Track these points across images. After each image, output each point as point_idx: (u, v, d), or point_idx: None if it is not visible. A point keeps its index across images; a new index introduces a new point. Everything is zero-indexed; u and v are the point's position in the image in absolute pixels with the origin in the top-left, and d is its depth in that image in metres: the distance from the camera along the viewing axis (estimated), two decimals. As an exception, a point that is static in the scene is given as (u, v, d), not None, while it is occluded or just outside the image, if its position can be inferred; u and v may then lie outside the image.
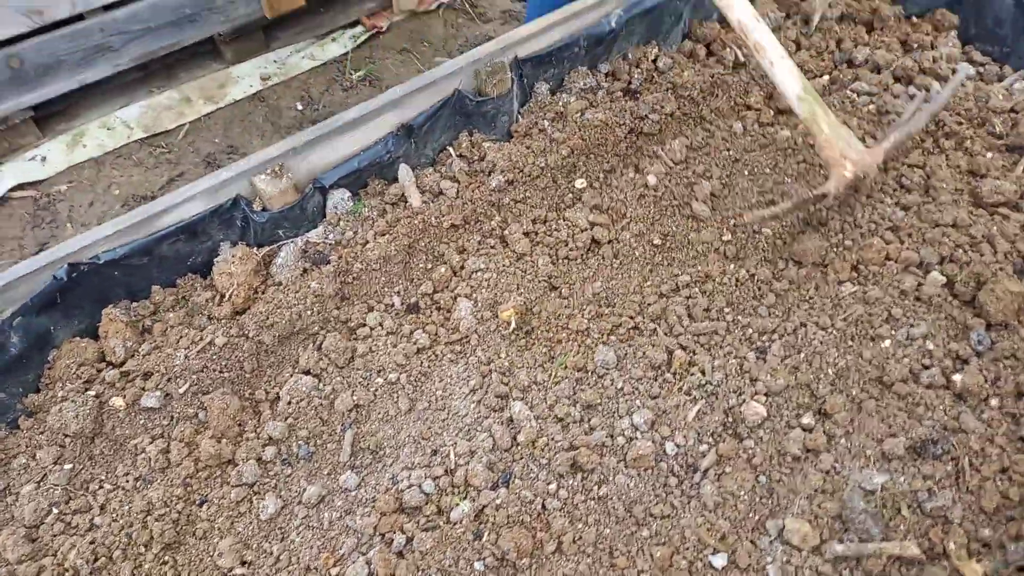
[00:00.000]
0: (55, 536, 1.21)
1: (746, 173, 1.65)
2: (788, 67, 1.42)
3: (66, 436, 1.28)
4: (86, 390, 1.32)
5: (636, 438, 1.27)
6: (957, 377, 1.28)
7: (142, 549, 1.19)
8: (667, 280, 1.51)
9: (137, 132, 3.02)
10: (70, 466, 1.27)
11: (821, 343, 1.36)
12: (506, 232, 1.59)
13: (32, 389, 1.34)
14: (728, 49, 1.88)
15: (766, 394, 1.30)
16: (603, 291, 1.50)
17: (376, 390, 1.38)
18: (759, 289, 1.47)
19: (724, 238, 1.57)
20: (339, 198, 1.58)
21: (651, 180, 1.65)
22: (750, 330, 1.41)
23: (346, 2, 3.36)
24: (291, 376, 1.38)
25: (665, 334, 1.41)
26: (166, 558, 1.19)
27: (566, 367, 1.38)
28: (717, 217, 1.60)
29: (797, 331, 1.39)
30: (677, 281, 1.50)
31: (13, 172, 2.88)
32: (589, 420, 1.31)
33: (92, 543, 1.19)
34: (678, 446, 1.26)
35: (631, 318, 1.44)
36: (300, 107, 3.12)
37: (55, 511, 1.23)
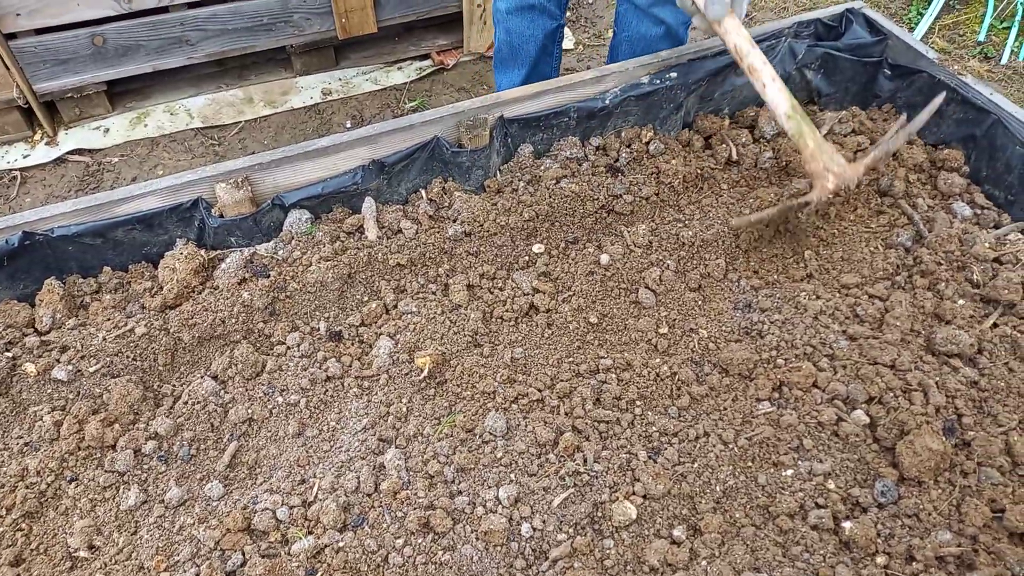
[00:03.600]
0: (-68, 480, 1.27)
1: (700, 271, 1.62)
2: (778, 87, 1.52)
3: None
4: (5, 351, 1.40)
5: (495, 511, 1.23)
6: (848, 524, 1.19)
7: (2, 512, 1.24)
8: (589, 360, 1.48)
9: (196, 121, 3.22)
10: (-32, 418, 1.34)
11: (717, 458, 1.30)
12: (450, 281, 1.60)
13: (-42, 345, 1.43)
14: (725, 145, 1.86)
15: (644, 496, 1.25)
16: (523, 358, 1.48)
17: (273, 408, 1.40)
18: (677, 389, 1.42)
19: (660, 330, 1.53)
20: (297, 218, 1.64)
21: (604, 259, 1.64)
22: (652, 428, 1.36)
23: (420, 36, 3.50)
24: (200, 378, 1.42)
25: (565, 414, 1.38)
26: (23, 525, 1.24)
27: (454, 425, 1.37)
28: (659, 309, 1.56)
29: (699, 439, 1.34)
30: (599, 363, 1.47)
31: (76, 137, 3.11)
32: (458, 483, 1.29)
33: (-42, 494, 1.25)
34: (535, 529, 1.22)
35: (539, 391, 1.42)
36: (348, 125, 3.26)
37: (-59, 456, 1.30)
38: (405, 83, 3.44)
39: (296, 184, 1.65)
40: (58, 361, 1.40)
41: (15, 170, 3.01)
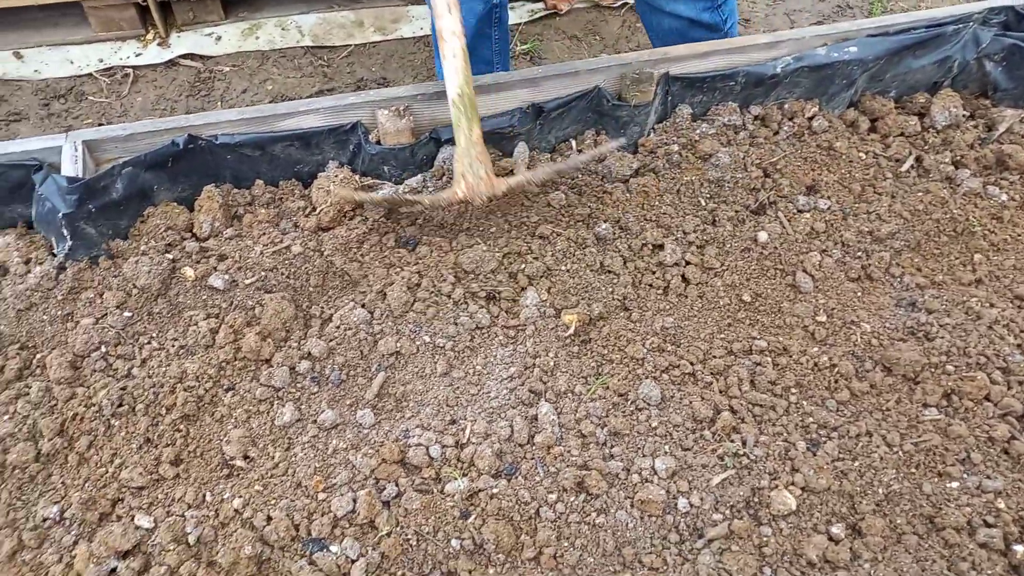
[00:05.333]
0: (94, 372, 1.29)
1: (861, 261, 1.55)
2: (456, 67, 1.37)
3: (134, 287, 1.36)
4: (165, 252, 1.40)
5: (651, 481, 1.21)
6: (1020, 548, 1.15)
7: (163, 411, 1.25)
8: (742, 339, 1.43)
9: (306, 39, 3.16)
10: (129, 315, 1.35)
11: (881, 459, 1.26)
12: (604, 238, 1.55)
13: (121, 235, 1.42)
14: (892, 136, 1.76)
15: (803, 488, 1.22)
16: (673, 328, 1.44)
17: (421, 345, 1.39)
18: (836, 382, 1.37)
19: (818, 318, 1.47)
20: (449, 154, 1.59)
21: (762, 237, 1.57)
22: (810, 419, 1.31)
23: (536, -23, 3.36)
24: (349, 304, 1.41)
25: (720, 392, 1.34)
26: (181, 427, 1.25)
27: (607, 387, 1.34)
28: (817, 296, 1.50)
29: (860, 437, 1.29)
30: (752, 344, 1.42)
31: (189, 42, 3.08)
32: (611, 447, 1.26)
33: (123, 389, 1.26)
34: (691, 505, 1.19)
35: (691, 364, 1.38)
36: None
37: (102, 349, 1.31)
38: (516, 24, 3.33)
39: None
40: (215, 269, 1.40)
41: (127, 67, 3.00)
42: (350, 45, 3.20)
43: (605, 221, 1.58)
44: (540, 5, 3.39)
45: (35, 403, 1.24)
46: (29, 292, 1.34)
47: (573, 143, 1.70)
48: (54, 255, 1.39)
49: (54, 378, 1.26)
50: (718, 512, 1.19)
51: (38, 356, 1.30)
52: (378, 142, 1.54)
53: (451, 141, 1.59)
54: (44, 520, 1.14)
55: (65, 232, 1.34)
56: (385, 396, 1.33)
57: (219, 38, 3.10)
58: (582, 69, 1.61)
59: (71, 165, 1.36)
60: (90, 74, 2.91)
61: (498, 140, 1.63)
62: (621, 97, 1.65)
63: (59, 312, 1.34)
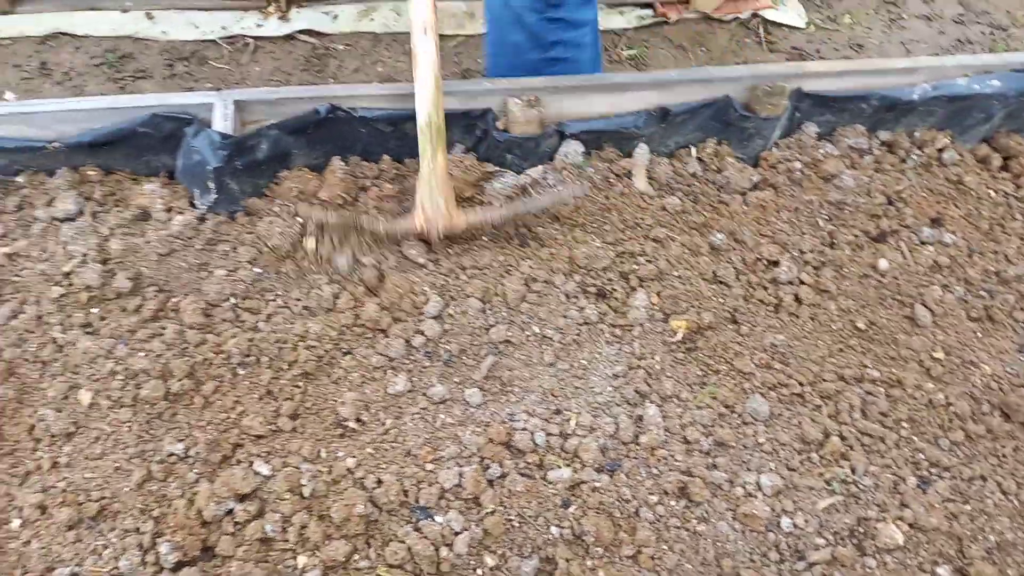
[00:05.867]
0: (224, 320, 1.35)
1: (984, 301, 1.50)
2: (427, 93, 1.34)
3: (266, 245, 1.42)
4: (295, 216, 1.45)
5: (755, 496, 1.20)
6: None
7: (285, 366, 1.31)
8: (854, 366, 1.40)
9: (414, 27, 3.21)
10: (259, 270, 1.41)
11: (995, 506, 1.22)
12: (718, 248, 1.55)
13: (258, 194, 1.49)
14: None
15: (911, 524, 1.19)
16: (783, 347, 1.43)
17: (530, 335, 1.41)
18: (950, 421, 1.34)
19: (935, 354, 1.43)
20: (572, 148, 1.61)
21: (883, 264, 1.54)
22: (921, 456, 1.28)
23: (647, -17, 3.35)
24: (467, 290, 1.44)
25: (829, 416, 1.32)
26: (300, 383, 1.30)
27: (715, 397, 1.33)
28: (935, 331, 1.46)
29: (973, 481, 1.26)
30: (864, 372, 1.40)
31: (308, 17, 3.18)
32: (715, 457, 1.26)
33: (250, 340, 1.32)
34: (795, 526, 1.18)
35: (800, 384, 1.36)
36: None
37: (232, 300, 1.37)
38: (624, 28, 3.33)
39: (579, 115, 1.61)
40: (340, 239, 1.45)
41: (248, 37, 3.11)
42: (460, 35, 3.24)
43: (720, 231, 1.57)
44: (649, 12, 3.37)
45: (168, 344, 1.30)
46: (171, 239, 1.41)
47: (693, 150, 1.69)
48: (194, 206, 1.46)
49: (187, 323, 1.33)
50: (821, 537, 1.18)
51: (173, 300, 1.37)
52: (505, 130, 1.57)
53: (576, 136, 1.61)
54: (170, 456, 1.20)
55: (211, 185, 1.40)
56: (492, 379, 1.36)
57: (336, 17, 3.18)
58: (716, 77, 1.60)
59: (221, 122, 1.43)
60: (214, 40, 3.03)
61: (620, 140, 1.64)
62: (749, 108, 1.64)
63: (196, 261, 1.41)
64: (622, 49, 3.24)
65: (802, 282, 1.52)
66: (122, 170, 1.52)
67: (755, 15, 3.37)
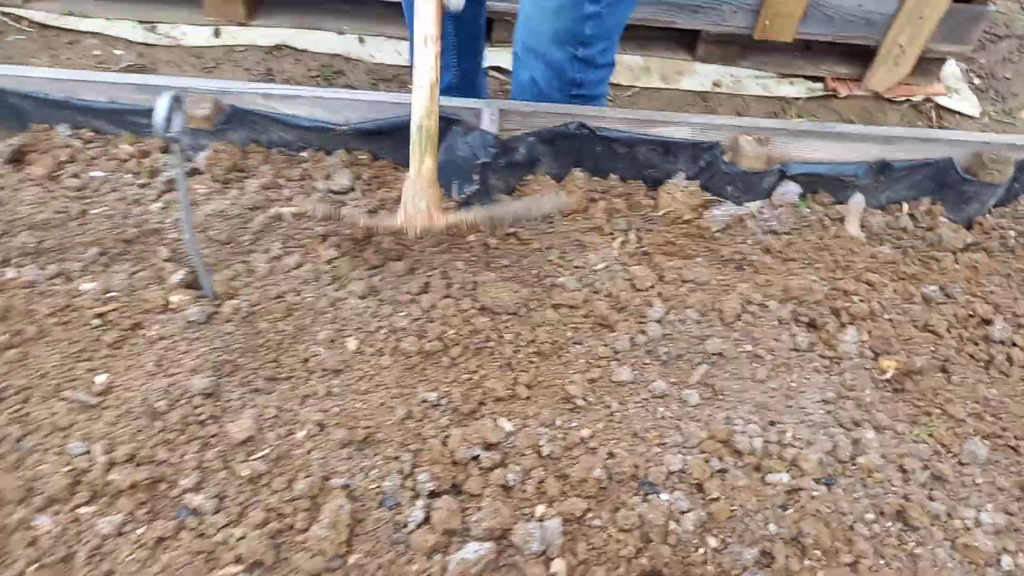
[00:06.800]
0: (466, 296, 1.51)
1: None
2: (422, 100, 1.41)
3: (508, 234, 1.58)
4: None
5: (974, 530, 1.23)
6: None
7: (522, 344, 1.44)
8: (1070, 430, 1.41)
9: (597, 75, 3.43)
10: (506, 261, 1.57)
11: None
12: (930, 299, 1.59)
13: (509, 191, 1.66)
14: None
15: None
16: (995, 400, 1.45)
17: (742, 352, 1.49)
18: None
19: None
20: (790, 188, 1.71)
21: (1103, 336, 1.54)
22: None
23: (820, 58, 3.46)
24: (687, 301, 1.54)
25: (1048, 471, 1.33)
26: (535, 360, 1.43)
27: (931, 435, 1.37)
28: None
29: None
30: (1081, 437, 1.40)
31: (496, 57, 3.46)
32: (932, 489, 1.29)
33: (492, 317, 1.47)
34: (1016, 566, 1.19)
35: (1015, 438, 1.38)
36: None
37: (474, 282, 1.53)
38: (792, 98, 3.43)
39: (801, 158, 1.72)
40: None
41: (445, 69, 3.39)
42: (635, 87, 3.44)
43: (932, 284, 1.62)
44: (819, 85, 3.47)
45: (424, 309, 1.47)
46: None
47: (905, 206, 1.76)
48: (450, 197, 1.65)
49: (440, 295, 1.49)
50: (1043, 582, 1.18)
51: (430, 274, 1.54)
52: (731, 163, 1.69)
53: (795, 177, 1.71)
54: (423, 401, 1.35)
55: (475, 177, 1.59)
56: (705, 386, 1.45)
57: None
58: (942, 138, 1.68)
59: (489, 124, 1.62)
60: (407, 66, 3.33)
61: (836, 187, 1.73)
62: (970, 172, 1.70)
63: (450, 242, 1.58)
64: (792, 117, 3.35)
65: (1015, 344, 1.54)
66: (386, 158, 1.74)
67: (928, 100, 3.40)
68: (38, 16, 3.21)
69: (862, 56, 3.34)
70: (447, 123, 1.66)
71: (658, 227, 1.67)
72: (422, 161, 1.42)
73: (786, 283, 1.59)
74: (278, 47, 3.25)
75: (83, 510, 1.14)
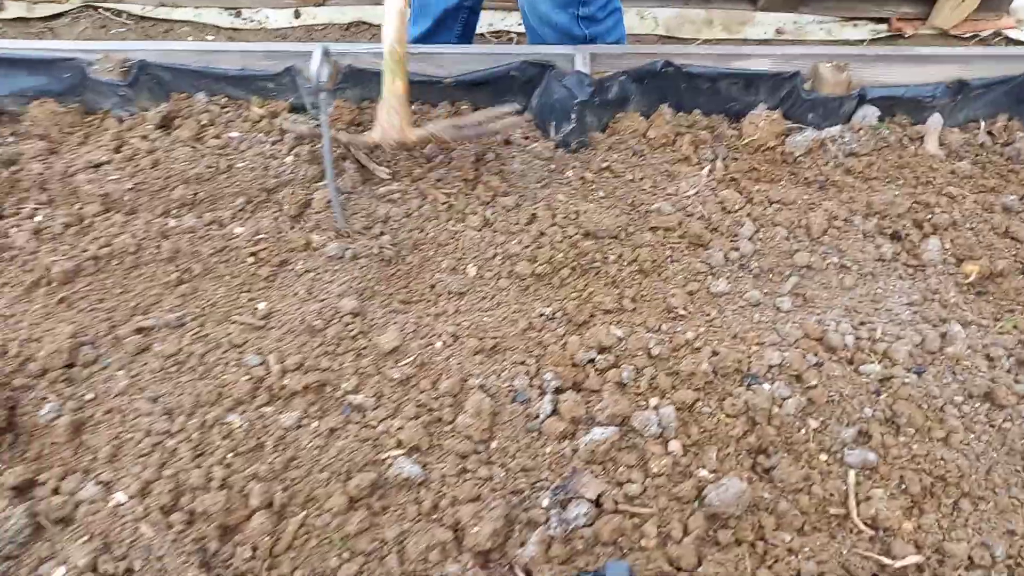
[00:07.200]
0: (570, 223, 1.65)
1: None
2: (392, 26, 1.53)
3: (607, 171, 1.72)
4: (623, 149, 1.75)
5: (1062, 408, 1.33)
6: None
7: (625, 264, 1.59)
8: None
9: (660, 29, 3.51)
10: (602, 194, 1.71)
11: None
12: (1011, 208, 1.67)
13: (602, 129, 1.80)
14: None
15: None
16: (1078, 297, 1.53)
17: (829, 264, 1.61)
18: None
19: None
20: (869, 112, 1.80)
21: None
22: None
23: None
24: (775, 219, 1.66)
25: None
26: (637, 277, 1.58)
27: (1015, 327, 1.46)
28: None
29: None
30: None
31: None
32: (1017, 374, 1.39)
33: (596, 241, 1.62)
34: (1102, 436, 1.29)
35: (1098, 329, 1.46)
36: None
37: (574, 210, 1.68)
38: (857, 41, 3.43)
39: (879, 82, 1.80)
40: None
41: (513, 32, 3.52)
42: (697, 39, 3.50)
43: (1012, 195, 1.69)
44: (883, 27, 3.46)
45: (534, 237, 1.63)
46: (531, 159, 1.75)
47: (982, 124, 1.82)
48: (547, 137, 1.80)
49: (546, 223, 1.64)
50: None
51: (535, 205, 1.69)
52: (811, 90, 1.78)
53: (874, 101, 1.80)
54: (540, 315, 1.51)
55: (572, 115, 1.73)
56: (796, 295, 1.57)
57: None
58: (1019, 55, 1.74)
59: (583, 66, 1.75)
60: (481, 33, 3.45)
61: (914, 108, 1.80)
62: (1048, 86, 1.75)
63: (551, 178, 1.73)
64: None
65: (1097, 246, 1.61)
66: (485, 106, 1.89)
67: (997, 34, 3.37)
68: (135, 8, 3.46)
69: (925, -6, 3.32)
70: (541, 68, 1.80)
71: (742, 155, 1.78)
72: (393, 82, 1.56)
73: (869, 199, 1.69)
74: (355, 23, 3.43)
75: (265, 409, 1.35)
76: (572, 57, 1.79)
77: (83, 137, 1.80)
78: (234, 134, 1.79)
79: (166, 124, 1.81)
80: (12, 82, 1.81)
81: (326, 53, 1.34)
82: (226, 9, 3.49)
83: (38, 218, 1.64)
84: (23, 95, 1.83)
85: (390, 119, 1.56)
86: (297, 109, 1.86)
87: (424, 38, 2.41)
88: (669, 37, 3.51)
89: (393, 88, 1.56)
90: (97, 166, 1.71)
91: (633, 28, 3.51)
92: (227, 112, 1.84)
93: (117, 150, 1.75)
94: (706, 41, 3.51)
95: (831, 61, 1.77)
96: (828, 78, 1.75)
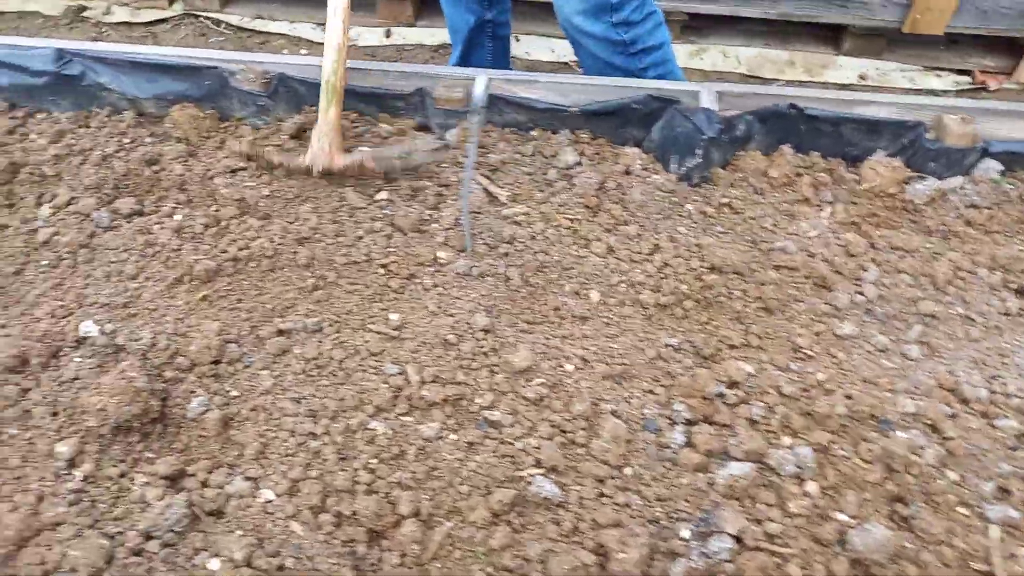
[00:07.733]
0: (693, 256, 1.67)
1: None
2: (330, 57, 1.67)
3: (723, 204, 1.75)
4: (743, 186, 1.78)
5: None
6: None
7: (749, 299, 1.60)
8: None
9: (742, 68, 3.55)
10: (721, 229, 1.73)
11: None
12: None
13: (723, 165, 1.83)
14: None
15: None
16: None
17: (954, 314, 1.61)
18: None
19: None
20: (991, 165, 1.81)
21: None
22: None
23: (966, 52, 3.45)
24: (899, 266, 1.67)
25: None
26: (761, 314, 1.59)
27: None
28: None
29: None
30: None
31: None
32: None
33: (721, 276, 1.63)
34: None
35: None
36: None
37: (696, 243, 1.70)
38: (942, 91, 3.43)
39: (1001, 136, 1.81)
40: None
41: (571, 62, 3.57)
42: (779, 80, 3.53)
43: None
44: (967, 79, 3.46)
45: (658, 267, 1.65)
46: (652, 190, 1.78)
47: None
48: (668, 170, 1.83)
49: (670, 255, 1.67)
50: None
51: (655, 236, 1.71)
52: (937, 139, 1.80)
53: (997, 154, 1.80)
54: (667, 345, 1.53)
55: (698, 151, 1.76)
56: (921, 344, 1.57)
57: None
58: None
59: (711, 104, 1.79)
60: (565, 63, 3.51)
61: None
62: None
63: (672, 211, 1.76)
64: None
65: None
66: (603, 137, 1.93)
67: (1084, 94, 3.35)
68: (233, 19, 3.59)
69: (1011, 48, 3.32)
70: (663, 103, 1.84)
71: (861, 200, 1.80)
72: (327, 110, 1.68)
73: (993, 252, 1.69)
74: (443, 45, 3.51)
75: (406, 418, 1.37)
76: (697, 94, 1.83)
77: (219, 142, 1.87)
78: (364, 148, 1.84)
79: (299, 135, 1.87)
80: (156, 86, 1.89)
81: (490, 80, 1.40)
82: (319, 25, 3.59)
83: (178, 217, 1.70)
84: (164, 98, 1.90)
85: (321, 144, 1.68)
86: (423, 128, 1.91)
87: (461, 61, 2.51)
88: (751, 76, 3.55)
89: (327, 116, 1.69)
90: (234, 171, 1.77)
91: (717, 66, 3.56)
92: (357, 127, 1.90)
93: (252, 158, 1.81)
94: (788, 82, 3.54)
95: (955, 114, 1.78)
96: (953, 129, 1.77)
